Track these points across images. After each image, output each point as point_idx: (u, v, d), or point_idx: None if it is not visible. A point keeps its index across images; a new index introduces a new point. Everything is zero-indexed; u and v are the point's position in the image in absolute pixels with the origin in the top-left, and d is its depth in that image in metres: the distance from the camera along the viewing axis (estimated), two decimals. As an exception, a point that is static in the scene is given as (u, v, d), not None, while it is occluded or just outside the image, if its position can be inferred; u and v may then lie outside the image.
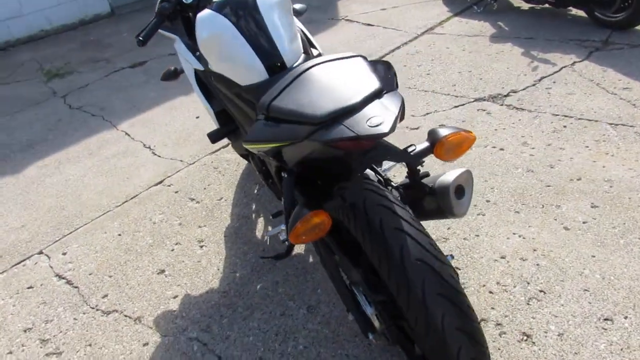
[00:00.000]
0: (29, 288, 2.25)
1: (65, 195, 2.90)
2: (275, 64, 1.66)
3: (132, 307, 2.08)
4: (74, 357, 1.89)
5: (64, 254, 2.43)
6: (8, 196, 2.98)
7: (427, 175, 1.61)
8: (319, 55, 2.02)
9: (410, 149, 1.33)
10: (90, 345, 1.92)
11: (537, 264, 1.96)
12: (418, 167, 1.61)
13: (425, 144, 1.34)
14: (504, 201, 2.31)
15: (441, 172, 1.62)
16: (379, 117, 1.07)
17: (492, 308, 1.81)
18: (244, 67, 1.66)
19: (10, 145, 3.61)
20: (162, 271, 2.23)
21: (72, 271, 2.31)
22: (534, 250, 2.02)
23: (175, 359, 1.82)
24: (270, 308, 1.96)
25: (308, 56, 1.80)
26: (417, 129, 3.02)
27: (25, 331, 2.05)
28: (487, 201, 2.33)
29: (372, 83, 1.19)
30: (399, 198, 1.48)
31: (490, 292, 1.87)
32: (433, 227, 2.22)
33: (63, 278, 2.28)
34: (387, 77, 1.23)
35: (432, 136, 1.33)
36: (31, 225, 2.67)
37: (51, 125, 3.82)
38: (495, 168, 2.53)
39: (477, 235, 2.14)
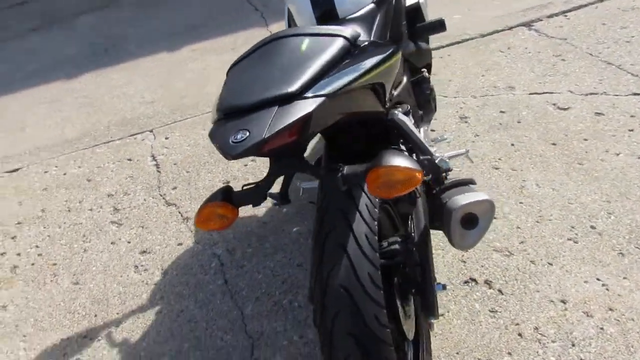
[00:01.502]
0: (128, 160, 2.57)
1: (194, 83, 3.14)
2: (325, 12, 1.44)
3: (188, 206, 2.23)
4: (127, 232, 2.15)
5: (166, 138, 2.68)
6: (156, 71, 3.34)
7: (453, 185, 1.31)
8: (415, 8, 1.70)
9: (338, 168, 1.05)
10: (142, 227, 2.15)
11: (602, 328, 1.52)
12: (443, 174, 1.32)
13: (362, 167, 1.04)
14: (613, 235, 1.79)
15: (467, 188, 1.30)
16: (249, 132, 0.83)
17: (509, 353, 1.50)
18: (296, 8, 1.49)
19: (179, 26, 3.97)
20: (227, 182, 2.33)
21: (163, 156, 2.55)
22: (610, 309, 1.57)
23: (193, 268, 1.94)
24: (293, 255, 1.92)
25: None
26: (566, 109, 2.46)
27: (108, 196, 2.38)
28: (592, 227, 1.84)
29: (293, 82, 0.91)
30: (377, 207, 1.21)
31: (519, 335, 1.54)
32: (504, 235, 1.86)
33: (155, 160, 2.54)
34: (339, 72, 0.93)
35: (374, 160, 1.03)
36: (158, 103, 2.98)
37: (217, 13, 4.05)
38: (635, 189, 1.96)
39: (550, 264, 1.74)
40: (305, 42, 0.98)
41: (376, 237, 1.08)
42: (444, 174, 1.33)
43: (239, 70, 1.00)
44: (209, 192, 2.30)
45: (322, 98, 0.85)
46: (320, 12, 1.45)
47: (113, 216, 2.25)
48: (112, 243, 2.11)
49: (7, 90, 3.53)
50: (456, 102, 2.67)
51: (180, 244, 2.05)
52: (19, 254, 2.13)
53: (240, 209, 0.99)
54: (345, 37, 1.01)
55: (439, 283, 1.30)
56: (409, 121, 1.38)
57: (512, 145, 2.30)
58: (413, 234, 1.32)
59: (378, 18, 1.49)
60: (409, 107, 1.48)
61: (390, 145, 1.41)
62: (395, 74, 1.20)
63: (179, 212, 2.21)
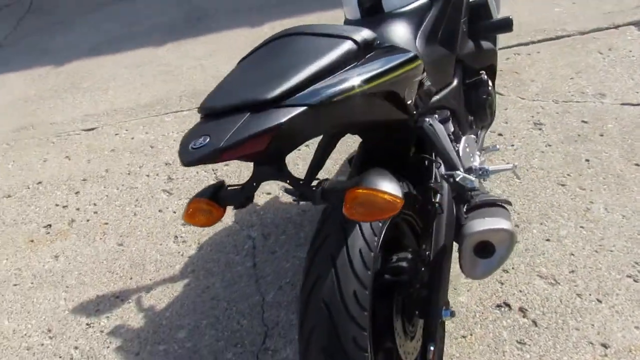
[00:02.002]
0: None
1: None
2: (370, 4, 1.35)
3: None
4: (175, 202, 2.23)
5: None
6: (235, 46, 3.39)
7: (481, 205, 1.19)
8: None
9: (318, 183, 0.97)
10: (189, 199, 2.22)
11: (645, 385, 1.34)
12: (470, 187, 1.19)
13: (343, 184, 0.95)
14: (685, 279, 1.56)
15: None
16: (209, 138, 0.76)
17: (528, 395, 1.36)
18: None
19: (266, 1, 3.99)
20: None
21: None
22: (660, 365, 1.37)
23: (227, 247, 1.97)
24: (324, 248, 1.88)
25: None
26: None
27: (165, 164, 2.48)
28: (661, 266, 1.61)
29: (276, 87, 0.82)
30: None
31: (545, 376, 1.39)
32: (553, 261, 1.69)
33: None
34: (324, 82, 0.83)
35: (355, 179, 0.94)
36: (228, 78, 3.04)
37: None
38: None
39: (599, 301, 1.54)
40: (310, 43, 0.91)
41: (372, 254, 1.01)
42: (469, 192, 1.21)
43: (239, 67, 0.96)
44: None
45: (302, 108, 0.78)
46: (365, 4, 1.36)
47: (166, 184, 2.34)
48: (159, 211, 2.20)
49: (100, 53, 3.78)
50: (533, 106, 2.44)
51: (221, 221, 2.09)
52: (78, 209, 2.29)
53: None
54: (354, 40, 0.92)
55: (448, 309, 1.19)
56: (441, 130, 1.27)
57: (587, 161, 2.06)
58: (428, 252, 1.23)
59: (430, 14, 1.38)
60: (449, 113, 1.35)
61: (415, 154, 1.31)
62: (416, 81, 1.09)
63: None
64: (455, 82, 1.48)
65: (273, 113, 0.75)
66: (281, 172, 0.90)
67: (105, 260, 2.00)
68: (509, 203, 1.30)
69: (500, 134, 2.29)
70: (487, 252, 1.06)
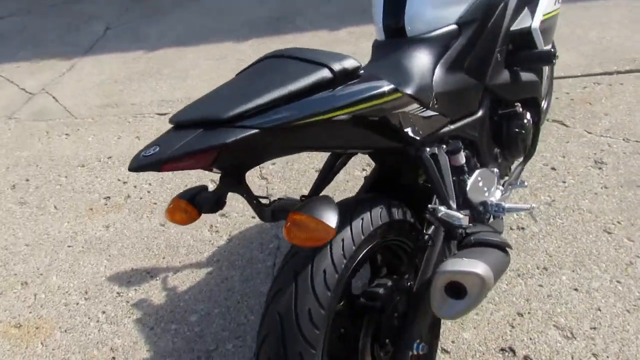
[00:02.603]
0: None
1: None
2: (393, 28, 1.34)
3: (276, 184, 2.35)
4: (219, 193, 2.37)
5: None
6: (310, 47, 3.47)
7: (474, 243, 1.15)
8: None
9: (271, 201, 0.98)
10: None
11: None
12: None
13: (289, 205, 0.96)
14: None
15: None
16: (158, 148, 0.80)
17: None
18: (373, 18, 1.41)
19: (349, 7, 4.02)
20: (264, 177, 2.37)
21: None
22: None
23: (253, 243, 2.05)
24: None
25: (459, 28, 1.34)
26: None
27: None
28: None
29: (236, 107, 0.83)
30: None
31: None
32: (576, 312, 1.57)
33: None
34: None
35: (301, 203, 0.95)
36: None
37: None
38: None
39: (615, 366, 1.42)
40: (289, 67, 0.94)
41: (337, 276, 1.03)
42: (462, 230, 1.17)
43: (225, 83, 1.01)
44: (300, 175, 2.38)
45: (252, 130, 0.81)
46: (389, 26, 1.36)
47: (215, 176, 2.49)
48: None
49: (185, 44, 4.04)
50: (599, 142, 2.26)
51: (254, 217, 2.18)
52: (135, 186, 2.50)
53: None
54: (330, 69, 0.93)
55: (421, 343, 1.17)
56: (445, 161, 1.24)
57: (645, 210, 1.89)
58: (411, 283, 1.21)
59: (458, 41, 1.34)
60: (461, 144, 1.31)
61: (425, 182, 1.29)
62: (406, 112, 1.07)
63: (266, 187, 2.34)
64: (480, 113, 1.43)
65: (222, 132, 0.79)
66: (239, 186, 0.94)
67: (146, 238, 2.18)
68: (509, 246, 1.24)
69: (553, 168, 2.15)
70: (458, 293, 1.03)
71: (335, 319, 1.17)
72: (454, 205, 1.20)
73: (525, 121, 1.57)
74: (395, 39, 1.35)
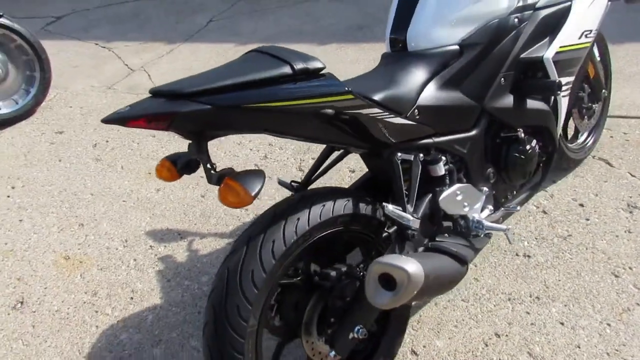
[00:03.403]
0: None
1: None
2: (397, 41, 1.45)
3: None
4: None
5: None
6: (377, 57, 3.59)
7: (431, 249, 1.25)
8: None
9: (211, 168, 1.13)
10: (270, 178, 2.54)
11: None
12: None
13: (227, 171, 1.12)
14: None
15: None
16: (129, 108, 0.97)
17: None
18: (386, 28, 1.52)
19: None
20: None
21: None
22: None
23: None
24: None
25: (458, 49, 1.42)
26: None
27: (269, 144, 2.84)
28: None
29: (200, 85, 0.99)
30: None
31: None
32: (554, 345, 1.56)
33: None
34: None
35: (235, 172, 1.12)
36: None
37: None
38: None
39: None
40: (261, 61, 1.10)
41: (284, 248, 1.17)
42: (410, 232, 1.26)
43: (212, 68, 1.17)
44: (334, 173, 2.53)
45: (205, 106, 0.98)
46: (394, 40, 1.47)
47: (260, 161, 2.71)
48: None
49: (273, 41, 4.31)
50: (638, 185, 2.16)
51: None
52: (190, 161, 2.80)
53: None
54: (291, 66, 1.08)
55: (362, 328, 1.27)
56: (416, 168, 1.33)
57: (665, 261, 1.80)
58: (363, 272, 1.32)
59: (458, 61, 1.42)
60: (442, 157, 1.39)
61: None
62: (361, 112, 1.18)
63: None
64: (474, 132, 1.48)
65: (178, 103, 0.97)
66: (200, 153, 1.11)
67: (186, 205, 2.45)
68: (463, 258, 1.30)
69: (581, 205, 2.10)
70: (389, 285, 1.12)
71: (289, 290, 1.32)
72: (409, 208, 1.29)
73: (528, 148, 1.59)
74: (399, 52, 1.46)
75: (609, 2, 1.75)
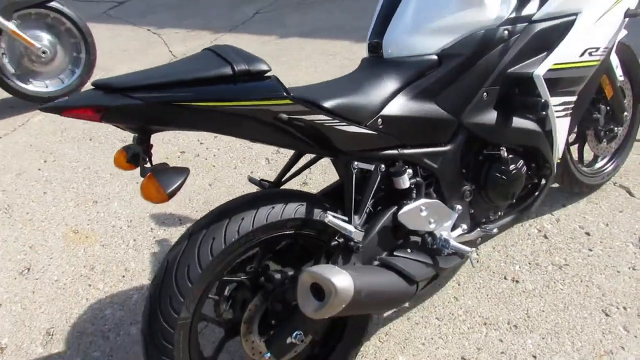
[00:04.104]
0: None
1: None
2: (374, 46, 1.41)
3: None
4: (266, 171, 2.60)
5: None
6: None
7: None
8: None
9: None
10: (277, 173, 2.56)
11: None
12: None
13: (153, 168, 1.12)
14: None
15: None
16: (66, 99, 0.99)
17: None
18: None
19: None
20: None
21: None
22: None
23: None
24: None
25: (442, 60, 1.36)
26: None
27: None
28: None
29: (138, 82, 1.01)
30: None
31: None
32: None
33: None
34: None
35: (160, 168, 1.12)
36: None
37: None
38: None
39: None
40: (208, 60, 1.11)
41: (223, 246, 1.18)
42: (353, 244, 1.24)
43: (163, 64, 1.19)
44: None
45: (136, 101, 1.00)
46: (371, 45, 1.44)
47: (271, 156, 2.74)
48: (251, 172, 2.61)
49: (310, 36, 4.32)
50: (661, 222, 1.99)
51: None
52: (207, 149, 2.86)
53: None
54: (232, 67, 1.08)
55: (300, 333, 1.26)
56: (373, 179, 1.31)
57: (666, 304, 1.65)
58: None
59: (436, 72, 1.37)
60: (408, 169, 1.35)
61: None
62: (308, 118, 1.16)
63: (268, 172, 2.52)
64: (448, 146, 1.42)
65: (112, 97, 0.99)
66: (142, 146, 1.13)
67: (192, 192, 2.52)
68: (411, 278, 1.27)
69: (587, 233, 1.96)
70: (319, 295, 1.11)
71: (236, 286, 1.34)
72: (355, 220, 1.27)
73: (512, 168, 1.50)
74: (375, 57, 1.43)
75: (626, 18, 1.62)
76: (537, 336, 1.62)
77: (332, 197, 1.43)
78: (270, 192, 1.35)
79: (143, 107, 1.02)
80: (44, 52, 3.37)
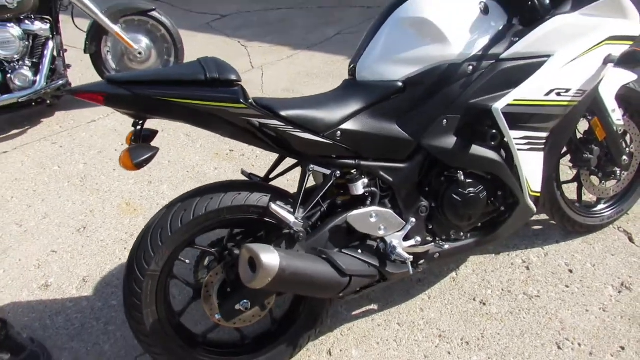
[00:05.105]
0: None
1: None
2: (351, 69, 1.62)
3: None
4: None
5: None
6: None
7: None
8: None
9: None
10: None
11: None
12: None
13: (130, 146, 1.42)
14: None
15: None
16: (85, 85, 1.33)
17: None
18: None
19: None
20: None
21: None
22: None
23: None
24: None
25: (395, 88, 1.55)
26: None
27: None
28: None
29: (135, 78, 1.33)
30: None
31: None
32: None
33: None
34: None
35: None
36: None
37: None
38: None
39: None
40: (192, 67, 1.39)
41: (180, 226, 1.47)
42: (294, 232, 1.47)
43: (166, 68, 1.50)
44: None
45: (127, 92, 1.31)
46: (350, 68, 1.65)
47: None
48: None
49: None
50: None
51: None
52: (252, 150, 3.20)
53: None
54: (205, 73, 1.35)
55: (247, 302, 1.50)
56: (327, 181, 1.52)
57: (622, 348, 1.66)
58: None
59: (400, 97, 1.56)
60: (364, 178, 1.55)
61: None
62: (266, 122, 1.41)
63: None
64: (406, 164, 1.59)
65: (112, 88, 1.32)
66: (135, 126, 1.44)
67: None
68: (344, 273, 1.46)
69: (570, 271, 1.99)
70: (253, 268, 1.35)
71: (206, 255, 1.61)
72: (299, 213, 1.49)
73: (468, 192, 1.63)
74: (351, 79, 1.65)
75: (613, 65, 1.66)
76: (484, 355, 1.71)
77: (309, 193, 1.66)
78: (242, 182, 1.62)
79: (132, 98, 1.34)
80: (139, 53, 3.95)
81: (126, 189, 2.92)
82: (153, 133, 1.58)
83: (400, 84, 1.56)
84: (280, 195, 1.57)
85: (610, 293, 1.87)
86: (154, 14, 3.97)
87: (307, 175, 1.53)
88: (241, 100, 1.38)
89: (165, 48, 4.13)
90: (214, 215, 1.51)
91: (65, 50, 3.92)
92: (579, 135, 1.97)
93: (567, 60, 1.60)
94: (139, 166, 1.39)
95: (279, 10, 6.44)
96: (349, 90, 1.59)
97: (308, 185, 1.58)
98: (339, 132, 1.51)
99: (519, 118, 1.59)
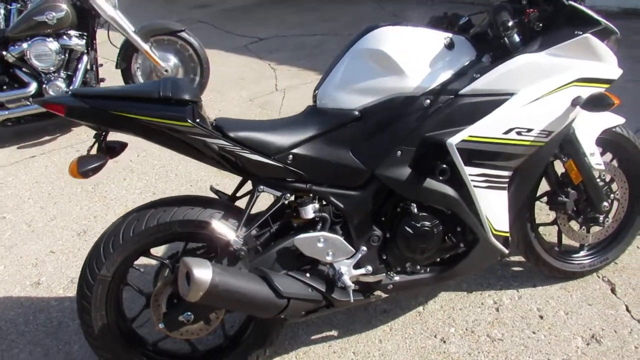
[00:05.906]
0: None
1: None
2: (314, 95, 1.67)
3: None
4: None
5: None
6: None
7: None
8: None
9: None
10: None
11: None
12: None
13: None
14: None
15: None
16: (50, 97, 1.41)
17: None
18: None
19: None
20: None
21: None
22: None
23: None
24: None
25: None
26: None
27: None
28: None
29: (95, 92, 1.42)
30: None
31: None
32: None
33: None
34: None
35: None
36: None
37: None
38: None
39: None
40: (153, 85, 1.45)
41: (131, 234, 1.54)
42: (234, 250, 1.51)
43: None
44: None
45: (86, 105, 1.39)
46: (313, 94, 1.69)
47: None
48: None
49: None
50: (625, 325, 1.85)
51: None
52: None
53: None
54: (158, 92, 1.42)
55: (190, 313, 1.55)
56: (275, 203, 1.56)
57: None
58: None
59: (356, 125, 1.59)
60: (315, 203, 1.58)
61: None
62: (214, 142, 1.47)
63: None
64: (358, 192, 1.60)
65: (74, 100, 1.41)
66: (96, 138, 1.53)
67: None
68: (281, 295, 1.49)
69: (541, 316, 1.91)
70: (189, 281, 1.39)
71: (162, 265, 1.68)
72: (241, 232, 1.52)
73: (421, 225, 1.61)
74: (313, 106, 1.69)
75: (576, 106, 1.61)
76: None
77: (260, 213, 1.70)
78: (198, 197, 1.68)
79: (90, 111, 1.43)
80: (166, 71, 4.15)
81: (131, 198, 3.06)
82: (122, 146, 1.67)
83: (357, 112, 1.59)
84: (233, 213, 1.62)
85: (577, 344, 1.78)
86: (183, 34, 4.19)
87: (256, 196, 1.57)
88: (187, 119, 1.45)
89: (192, 67, 4.32)
90: (165, 228, 1.57)
91: (101, 65, 4.20)
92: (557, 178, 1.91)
93: (530, 100, 1.57)
94: (84, 175, 1.48)
95: (314, 36, 6.60)
96: (308, 116, 1.63)
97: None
98: (290, 156, 1.55)
99: (475, 155, 1.57)
